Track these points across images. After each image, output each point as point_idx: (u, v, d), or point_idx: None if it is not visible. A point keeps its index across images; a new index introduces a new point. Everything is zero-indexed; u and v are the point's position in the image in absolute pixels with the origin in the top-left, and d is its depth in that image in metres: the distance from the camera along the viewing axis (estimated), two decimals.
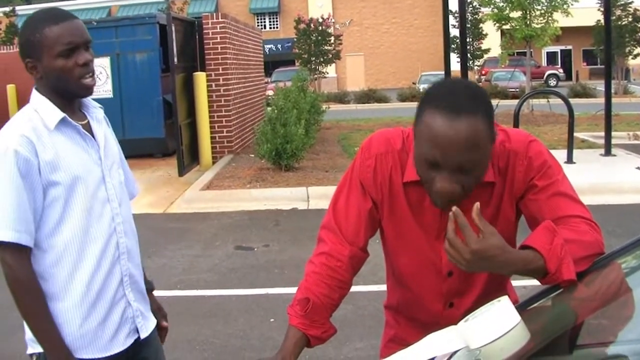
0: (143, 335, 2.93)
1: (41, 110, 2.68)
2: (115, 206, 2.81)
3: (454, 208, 2.03)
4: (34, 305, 2.61)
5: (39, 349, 2.70)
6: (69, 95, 2.72)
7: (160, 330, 3.17)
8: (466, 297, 2.49)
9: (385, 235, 2.56)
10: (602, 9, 22.10)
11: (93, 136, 2.80)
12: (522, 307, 2.11)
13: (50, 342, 2.62)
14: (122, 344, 2.84)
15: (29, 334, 2.73)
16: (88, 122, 2.82)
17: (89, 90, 2.73)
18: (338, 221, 2.50)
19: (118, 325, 2.82)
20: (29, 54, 2.67)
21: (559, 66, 56.51)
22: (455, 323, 2.05)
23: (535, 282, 2.12)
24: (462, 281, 2.47)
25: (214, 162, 15.47)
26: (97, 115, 2.88)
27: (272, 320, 6.56)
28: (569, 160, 13.27)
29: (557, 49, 56.78)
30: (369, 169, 2.46)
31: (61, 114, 2.67)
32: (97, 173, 2.76)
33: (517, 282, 2.62)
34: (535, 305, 2.21)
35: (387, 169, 2.44)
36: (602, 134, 15.02)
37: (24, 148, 2.55)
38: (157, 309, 3.19)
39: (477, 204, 2.03)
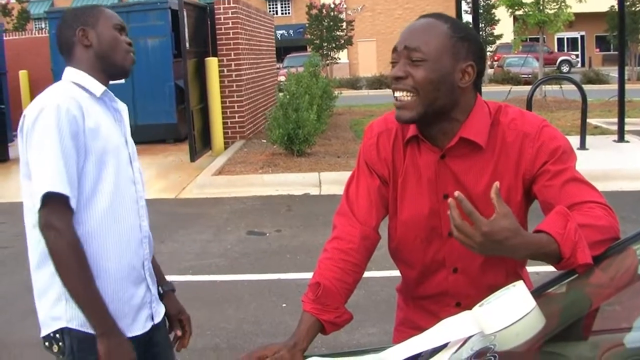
0: (157, 320, 2.96)
1: (84, 81, 2.77)
2: (140, 189, 2.88)
3: (457, 193, 2.01)
4: (83, 272, 2.55)
5: (55, 326, 2.68)
6: (110, 70, 2.84)
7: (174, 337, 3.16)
8: (471, 260, 2.45)
9: (391, 208, 2.57)
10: None
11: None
12: (536, 293, 2.09)
13: (99, 312, 2.57)
14: (142, 327, 2.86)
15: (42, 316, 2.73)
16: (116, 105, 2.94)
17: (130, 65, 2.87)
18: (350, 203, 2.53)
19: (139, 307, 2.84)
20: (85, 21, 2.80)
21: (577, 51, 56.35)
22: (470, 307, 2.05)
23: (548, 269, 2.11)
24: None
25: (225, 148, 15.47)
26: (119, 106, 2.94)
27: (284, 305, 6.56)
28: (582, 146, 13.21)
29: (571, 35, 56.47)
30: (372, 147, 2.54)
31: (103, 86, 2.80)
32: (125, 153, 2.83)
33: (530, 268, 2.61)
34: (550, 290, 2.20)
35: (389, 144, 2.51)
36: (615, 120, 14.95)
37: (74, 108, 2.61)
38: (178, 313, 3.15)
39: (497, 183, 2.02)
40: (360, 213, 2.50)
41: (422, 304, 2.64)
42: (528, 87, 16.58)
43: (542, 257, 2.07)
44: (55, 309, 2.69)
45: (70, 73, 2.81)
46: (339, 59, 42.28)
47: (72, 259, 2.52)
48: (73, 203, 2.55)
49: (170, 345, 3.11)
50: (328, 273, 2.41)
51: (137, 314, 2.83)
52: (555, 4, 24.18)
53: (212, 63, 15.30)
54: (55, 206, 2.51)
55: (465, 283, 2.46)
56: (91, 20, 2.80)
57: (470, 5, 15.65)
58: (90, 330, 2.61)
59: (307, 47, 43.57)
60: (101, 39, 2.78)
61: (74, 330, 2.66)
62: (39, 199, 2.50)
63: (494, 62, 45.60)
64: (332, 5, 39.69)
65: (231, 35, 16.12)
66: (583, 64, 54.09)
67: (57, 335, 2.69)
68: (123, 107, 2.96)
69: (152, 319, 2.93)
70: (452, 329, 2.05)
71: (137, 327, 2.82)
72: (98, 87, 2.77)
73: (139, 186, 2.87)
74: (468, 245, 2.02)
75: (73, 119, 2.57)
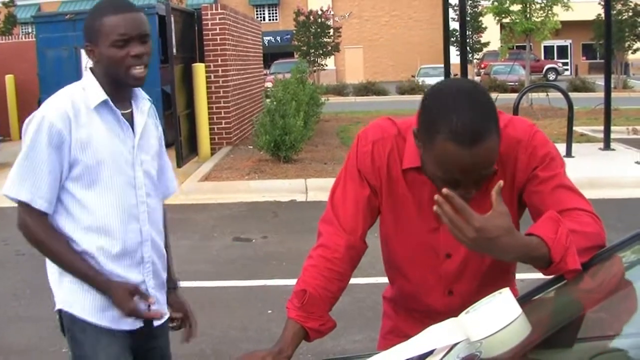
0: (156, 322, 3.03)
1: (88, 88, 2.82)
2: (142, 194, 2.93)
3: (445, 190, 2.00)
4: (58, 259, 2.83)
5: (57, 307, 2.94)
6: (118, 84, 2.83)
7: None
8: (465, 283, 2.46)
9: (383, 221, 2.55)
10: (602, 3, 22.05)
11: (132, 126, 2.91)
12: (523, 300, 2.09)
13: (88, 279, 2.83)
14: (130, 324, 2.94)
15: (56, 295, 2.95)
16: (132, 111, 2.94)
17: (138, 81, 2.83)
18: (336, 211, 2.48)
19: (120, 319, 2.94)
20: (89, 38, 2.80)
21: (566, 59, 56.57)
22: (456, 315, 2.04)
23: (533, 276, 2.11)
24: (460, 264, 2.45)
25: (212, 154, 15.44)
26: (142, 107, 2.98)
27: (270, 311, 6.55)
28: (568, 154, 13.26)
29: (557, 42, 56.68)
30: (367, 154, 2.46)
31: (104, 96, 2.81)
32: (128, 159, 2.88)
33: (516, 275, 2.61)
34: (536, 297, 2.20)
35: (384, 154, 2.44)
36: (601, 128, 14.99)
37: (59, 121, 2.72)
38: (185, 315, 3.26)
39: (501, 182, 2.04)
40: (346, 221, 2.46)
41: (414, 315, 2.63)
42: (514, 95, 16.66)
43: (532, 260, 2.07)
44: (56, 292, 2.95)
45: (86, 76, 2.88)
46: (326, 65, 42.32)
47: (44, 250, 2.83)
48: (39, 205, 2.77)
49: (169, 355, 3.21)
50: (313, 281, 2.39)
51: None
52: (542, 12, 24.28)
53: (199, 69, 15.28)
54: (22, 208, 2.80)
55: (459, 305, 2.44)
56: (94, 38, 2.78)
57: (458, 12, 15.71)
58: (76, 312, 2.88)
59: (294, 53, 43.55)
60: (102, 58, 2.78)
61: (64, 312, 2.92)
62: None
63: (481, 70, 45.78)
64: (320, 12, 39.73)
65: (218, 41, 16.10)
66: (571, 72, 54.25)
67: (58, 316, 2.98)
68: (140, 109, 2.98)
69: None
70: (438, 335, 2.04)
71: (124, 322, 2.92)
72: (95, 98, 2.80)
73: (140, 191, 2.92)
74: (461, 240, 2.02)
75: (56, 133, 2.72)
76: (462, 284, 2.47)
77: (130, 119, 2.91)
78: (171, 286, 3.22)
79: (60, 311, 2.94)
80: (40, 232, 2.80)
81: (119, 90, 2.85)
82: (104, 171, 2.80)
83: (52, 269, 2.93)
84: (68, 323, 2.93)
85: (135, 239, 2.91)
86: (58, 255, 2.81)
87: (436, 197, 2.02)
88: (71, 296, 2.89)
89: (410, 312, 2.65)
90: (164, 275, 3.11)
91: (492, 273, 2.45)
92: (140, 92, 2.99)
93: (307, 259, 2.47)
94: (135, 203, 2.90)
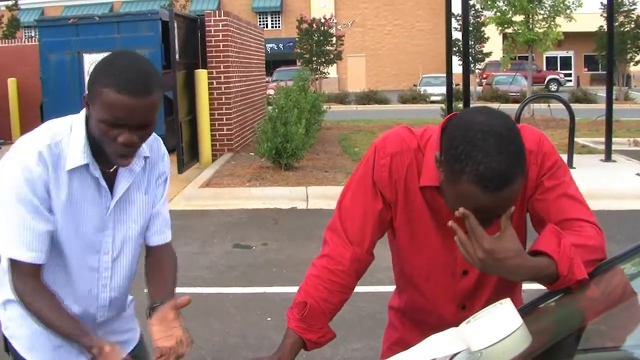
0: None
1: (71, 143, 2.46)
2: (107, 259, 2.65)
3: (461, 209, 2.01)
4: (48, 317, 2.47)
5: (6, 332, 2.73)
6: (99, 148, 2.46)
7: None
8: (478, 298, 2.45)
9: (397, 236, 2.50)
10: (604, 15, 22.09)
11: (114, 185, 2.58)
12: (524, 310, 2.09)
13: (75, 338, 2.46)
14: None
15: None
16: (117, 169, 2.57)
17: (122, 164, 2.46)
18: (342, 221, 2.44)
19: (80, 353, 2.59)
20: (89, 91, 2.36)
21: (570, 70, 56.64)
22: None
23: (533, 287, 2.11)
24: (477, 281, 2.44)
25: (213, 160, 15.44)
26: (132, 166, 2.58)
27: (269, 319, 6.54)
28: (569, 165, 13.23)
29: (559, 54, 56.75)
30: (384, 167, 2.38)
31: (83, 161, 2.45)
32: (97, 224, 2.57)
33: None
34: (537, 308, 2.19)
35: (402, 168, 2.36)
36: (603, 139, 15.01)
37: (41, 169, 2.41)
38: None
39: (513, 207, 2.03)
40: (353, 232, 2.41)
41: (421, 327, 2.59)
42: (516, 105, 16.66)
43: (540, 279, 2.07)
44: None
45: (79, 121, 2.50)
46: (328, 73, 42.31)
47: (28, 305, 2.47)
48: (34, 258, 2.45)
49: None
50: (315, 292, 2.39)
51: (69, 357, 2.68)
52: (544, 22, 24.33)
53: (202, 75, 15.28)
54: (13, 264, 2.47)
55: None
56: (91, 96, 2.35)
57: (460, 22, 15.74)
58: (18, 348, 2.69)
59: (297, 61, 43.62)
60: (92, 120, 2.40)
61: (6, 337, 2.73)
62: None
63: (483, 80, 45.80)
64: (323, 20, 39.75)
65: (221, 48, 16.12)
66: (573, 83, 54.29)
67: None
68: (134, 164, 2.58)
69: None
70: (439, 345, 2.04)
71: None
72: (73, 161, 2.45)
73: (105, 257, 2.64)
74: (470, 260, 2.04)
75: (39, 181, 2.42)
76: (476, 299, 2.46)
77: (114, 176, 2.57)
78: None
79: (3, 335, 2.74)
80: (31, 295, 2.48)
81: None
82: (71, 233, 2.52)
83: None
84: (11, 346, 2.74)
85: (91, 303, 2.67)
86: (48, 313, 2.47)
87: (450, 223, 2.03)
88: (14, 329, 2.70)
89: (418, 323, 2.63)
90: (121, 326, 2.88)
91: (503, 286, 2.45)
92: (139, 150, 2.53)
93: (310, 268, 2.45)
94: (97, 267, 2.63)
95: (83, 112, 2.49)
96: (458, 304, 2.49)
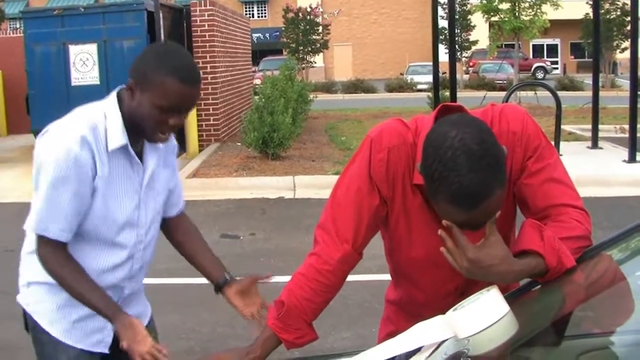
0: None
1: (109, 125, 2.64)
2: (142, 233, 2.87)
3: (444, 222, 2.02)
4: (74, 286, 2.68)
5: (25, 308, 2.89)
6: (139, 132, 2.67)
7: None
8: (476, 291, 2.43)
9: (394, 230, 2.45)
10: (590, 3, 22.12)
11: (143, 162, 2.78)
12: (510, 297, 2.10)
13: (98, 306, 2.68)
14: (91, 345, 2.88)
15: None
16: (143, 146, 2.77)
17: (160, 143, 2.74)
18: (335, 219, 2.39)
19: (96, 329, 2.87)
20: (139, 80, 2.57)
21: (556, 58, 56.72)
22: None
23: None
24: None
25: (200, 150, 15.43)
26: (165, 146, 2.87)
27: None
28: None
29: (546, 41, 56.84)
30: (382, 162, 2.31)
31: (124, 141, 2.64)
32: (134, 200, 2.79)
33: None
34: (524, 295, 2.20)
35: (400, 162, 2.31)
36: (589, 126, 15.05)
37: (86, 153, 2.58)
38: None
39: (498, 213, 2.02)
40: (344, 230, 2.37)
41: (419, 320, 2.57)
42: (503, 93, 16.67)
43: (531, 277, 2.09)
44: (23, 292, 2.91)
45: (111, 104, 2.69)
46: (315, 62, 42.32)
47: (60, 279, 2.67)
48: (62, 236, 2.63)
49: None
50: (298, 291, 2.39)
51: (91, 334, 2.87)
52: (531, 10, 24.37)
53: None
54: (42, 240, 2.65)
55: None
56: (144, 85, 2.55)
57: (446, 11, 15.77)
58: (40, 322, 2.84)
59: (283, 50, 43.57)
60: (139, 107, 2.58)
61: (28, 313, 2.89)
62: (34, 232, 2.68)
63: (469, 68, 45.88)
64: (309, 9, 39.72)
65: (207, 38, 16.08)
66: (559, 71, 54.36)
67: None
68: (154, 145, 2.79)
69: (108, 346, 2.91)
70: (426, 332, 2.05)
71: (86, 344, 2.87)
72: (115, 142, 2.63)
73: (141, 230, 2.86)
74: (458, 269, 2.05)
75: (81, 165, 2.58)
76: (474, 291, 2.44)
77: (141, 153, 2.76)
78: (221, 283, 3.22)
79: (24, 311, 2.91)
80: (58, 263, 2.68)
81: (137, 134, 2.68)
82: (104, 212, 2.71)
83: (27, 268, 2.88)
84: (30, 323, 2.90)
85: (122, 276, 2.87)
86: (74, 282, 2.67)
87: (440, 232, 2.04)
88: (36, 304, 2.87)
89: (415, 316, 2.59)
90: (142, 302, 3.14)
91: None
92: None
93: (301, 265, 2.44)
94: (134, 242, 2.84)
95: (113, 97, 2.70)
96: (455, 296, 2.45)
